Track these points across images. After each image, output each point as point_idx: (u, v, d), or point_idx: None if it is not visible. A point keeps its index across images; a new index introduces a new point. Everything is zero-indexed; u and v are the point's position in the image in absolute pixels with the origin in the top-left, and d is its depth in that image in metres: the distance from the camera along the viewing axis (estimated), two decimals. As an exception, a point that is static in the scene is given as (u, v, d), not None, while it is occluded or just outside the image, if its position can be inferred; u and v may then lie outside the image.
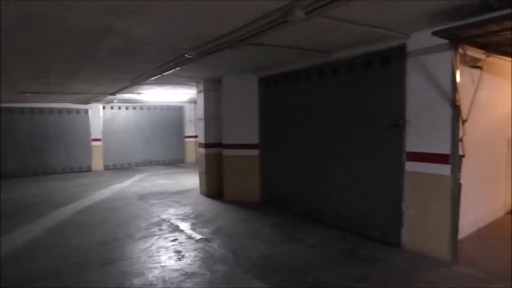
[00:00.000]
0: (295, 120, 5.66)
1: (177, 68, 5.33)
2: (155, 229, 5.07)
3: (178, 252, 4.15)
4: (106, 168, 11.87)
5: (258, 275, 3.49)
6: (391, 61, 4.09)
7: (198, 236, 4.70)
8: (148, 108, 12.69)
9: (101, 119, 11.77)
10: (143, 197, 7.32)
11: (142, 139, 12.54)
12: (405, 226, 3.98)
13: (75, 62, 4.94)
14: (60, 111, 11.18)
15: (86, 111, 11.55)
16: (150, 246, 4.35)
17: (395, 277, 3.35)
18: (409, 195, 3.92)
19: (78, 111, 11.47)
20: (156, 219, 5.57)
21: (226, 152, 6.74)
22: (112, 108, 12.02)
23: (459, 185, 3.59)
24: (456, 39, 3.39)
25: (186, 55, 4.45)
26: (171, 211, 6.10)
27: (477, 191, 4.52)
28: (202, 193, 7.42)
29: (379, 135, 4.27)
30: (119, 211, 6.17)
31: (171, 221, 5.47)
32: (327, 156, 5.08)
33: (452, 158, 3.51)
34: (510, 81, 5.30)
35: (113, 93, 8.80)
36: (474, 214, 4.49)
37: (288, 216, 5.59)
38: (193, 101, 11.84)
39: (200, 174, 7.52)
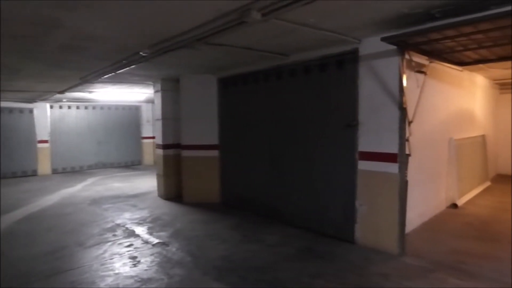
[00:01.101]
0: (255, 121, 5.70)
1: (132, 67, 5.12)
2: (109, 235, 4.81)
3: (133, 258, 3.98)
4: (55, 171, 11.06)
5: (217, 276, 3.45)
6: (345, 65, 4.27)
7: (155, 240, 4.54)
8: (102, 107, 12.05)
9: (49, 119, 10.95)
10: (96, 201, 6.92)
11: (95, 140, 11.87)
12: (358, 223, 4.18)
13: (17, 57, 4.55)
14: (-1, 110, 10.22)
15: (31, 111, 10.67)
16: (103, 253, 4.12)
17: (350, 272, 3.50)
18: (362, 192, 4.12)
19: (21, 110, 10.56)
20: (109, 225, 5.30)
21: (185, 153, 6.60)
22: (61, 107, 11.24)
23: (406, 182, 3.84)
24: (402, 45, 3.63)
25: (141, 53, 4.29)
26: (127, 215, 5.83)
27: (422, 187, 4.87)
28: (160, 195, 7.20)
29: (334, 136, 4.43)
30: (69, 217, 5.78)
31: (126, 226, 5.23)
32: (285, 156, 5.17)
33: (400, 157, 3.74)
34: (451, 85, 5.79)
35: (62, 92, 8.23)
36: (419, 209, 4.83)
37: (248, 216, 5.61)
38: (151, 101, 11.44)
39: (158, 176, 7.29)
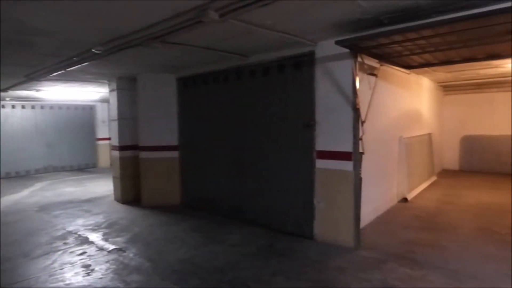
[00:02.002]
0: (216, 121, 5.66)
1: (84, 64, 4.85)
2: (59, 243, 4.52)
3: (86, 266, 3.77)
4: (-3, 177, 10.15)
5: (176, 280, 3.38)
6: (302, 66, 4.38)
7: (111, 247, 4.34)
8: (51, 107, 11.26)
9: (-11, 120, 10.02)
10: (45, 208, 6.46)
11: (43, 142, 11.05)
12: (317, 219, 4.31)
13: None
14: None
15: (-32, 110, 9.71)
16: (52, 264, 3.86)
17: (308, 267, 3.60)
18: (320, 190, 4.26)
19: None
20: (60, 232, 4.97)
21: (144, 154, 6.38)
22: (3, 107, 10.33)
23: (360, 179, 4.03)
24: (355, 48, 3.81)
25: (93, 50, 4.09)
26: (79, 221, 5.51)
27: (375, 183, 5.14)
28: (117, 199, 6.89)
29: (293, 135, 4.53)
30: (13, 226, 5.34)
31: (79, 232, 4.94)
32: (247, 156, 5.19)
33: (354, 155, 3.93)
34: (400, 87, 6.18)
35: (5, 89, 7.57)
36: (374, 204, 5.10)
37: (210, 217, 5.55)
38: (106, 100, 10.92)
39: (115, 179, 6.97)
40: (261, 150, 4.97)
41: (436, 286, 3.12)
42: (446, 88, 9.59)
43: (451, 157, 9.70)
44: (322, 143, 4.20)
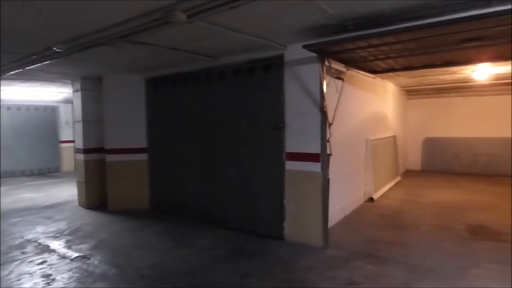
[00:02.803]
0: (186, 123, 5.58)
1: (45, 63, 4.62)
2: (16, 253, 4.25)
3: (47, 276, 3.57)
4: None
5: (144, 286, 3.29)
6: (272, 69, 4.43)
7: (74, 254, 4.15)
8: (9, 108, 10.58)
9: None
10: (1, 216, 6.05)
11: None
12: (287, 220, 4.37)
13: None
14: None
15: None
16: (9, 274, 3.62)
17: (278, 267, 3.64)
18: (289, 191, 4.32)
19: None
20: (18, 241, 4.68)
21: (110, 157, 6.16)
22: (-46, 107, 9.59)
23: (328, 180, 4.14)
24: (322, 53, 3.91)
25: (54, 48, 3.90)
26: (40, 229, 5.22)
27: (343, 184, 5.29)
28: (81, 205, 6.59)
29: (263, 137, 4.57)
30: (-35, 235, 4.96)
31: (39, 241, 4.68)
32: (217, 159, 5.17)
33: (322, 157, 4.02)
34: (366, 91, 6.42)
35: (-45, 89, 7.04)
36: (341, 204, 5.25)
37: (180, 221, 5.46)
38: (70, 101, 10.44)
39: (79, 183, 6.67)
40: (231, 152, 4.97)
41: (398, 281, 3.26)
42: (410, 92, 10.08)
43: (414, 158, 10.20)
44: (291, 145, 4.27)
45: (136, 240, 4.64)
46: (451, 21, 2.85)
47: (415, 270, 3.48)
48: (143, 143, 6.20)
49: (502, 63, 5.50)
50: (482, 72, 6.42)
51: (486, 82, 7.82)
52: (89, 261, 3.93)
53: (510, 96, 8.80)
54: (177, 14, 2.77)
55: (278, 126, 4.37)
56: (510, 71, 6.57)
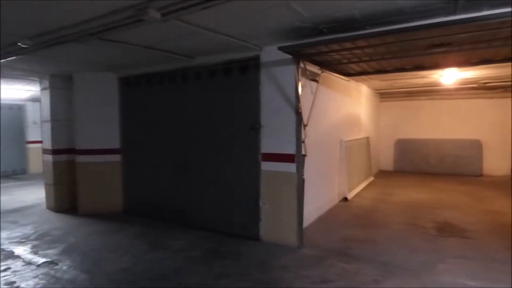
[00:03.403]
0: (160, 123, 5.48)
1: (10, 59, 4.40)
2: (-23, 259, 4.02)
3: (10, 283, 3.39)
4: None
5: (115, 291, 3.20)
6: (248, 70, 4.44)
7: (41, 260, 3.97)
8: (-29, 106, 9.99)
9: None
10: (-39, 220, 5.70)
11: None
12: (262, 220, 4.39)
13: None
14: None
15: None
16: (-32, 282, 3.42)
17: (253, 268, 3.65)
18: (265, 192, 4.34)
19: None
20: (-21, 247, 4.42)
21: (81, 158, 5.94)
22: None
23: (303, 180, 4.20)
24: (297, 55, 3.97)
25: (20, 43, 3.72)
26: (3, 234, 4.95)
27: (317, 184, 5.39)
28: (49, 208, 6.32)
29: (239, 138, 4.57)
30: None
31: (3, 246, 4.43)
32: (193, 160, 5.11)
33: (297, 157, 4.07)
34: (340, 93, 6.56)
35: None
36: (316, 204, 5.34)
37: (155, 223, 5.35)
38: (38, 100, 9.97)
39: (47, 186, 6.39)
40: (207, 153, 4.93)
41: (369, 278, 3.35)
42: (382, 95, 10.41)
43: (386, 159, 10.54)
44: (267, 146, 4.29)
45: (108, 243, 4.51)
46: (418, 27, 2.98)
47: (385, 267, 3.60)
48: (116, 143, 6.03)
49: (468, 68, 5.79)
50: (449, 76, 6.74)
51: (453, 87, 8.22)
52: (56, 267, 3.77)
53: (475, 100, 9.30)
54: (150, 13, 2.72)
55: (254, 127, 4.39)
56: (475, 76, 6.93)
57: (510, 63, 4.88)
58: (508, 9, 2.72)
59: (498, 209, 5.81)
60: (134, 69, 5.63)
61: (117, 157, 6.04)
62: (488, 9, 2.86)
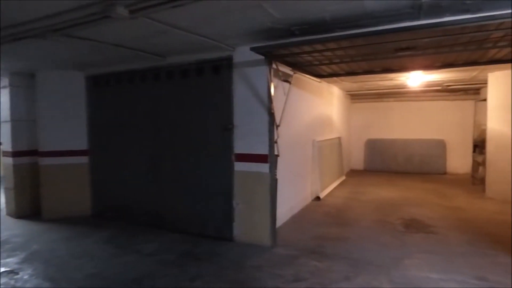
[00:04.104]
0: (132, 124, 5.32)
1: (-37, 55, 4.11)
2: None
3: (-35, 295, 3.17)
4: None
5: (82, 299, 3.07)
6: (221, 71, 4.41)
7: (0, 270, 3.73)
8: None
9: None
10: None
11: None
12: (236, 221, 4.37)
13: None
14: None
15: None
16: None
17: (227, 269, 3.62)
18: (238, 192, 4.33)
19: None
20: None
21: (45, 161, 5.64)
22: None
23: (276, 180, 4.22)
24: (270, 56, 3.99)
25: (-25, 38, 3.48)
26: (-42, 242, 4.61)
27: (290, 184, 5.44)
28: (9, 214, 5.95)
29: (213, 139, 4.53)
30: None
31: (-43, 255, 4.13)
32: (165, 160, 5.00)
33: (270, 158, 4.10)
34: (313, 94, 6.67)
35: None
36: (289, 203, 5.39)
37: (125, 226, 5.18)
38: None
39: (7, 190, 6.02)
40: (180, 153, 4.85)
41: (340, 275, 3.43)
42: (353, 96, 10.71)
43: (357, 158, 10.85)
44: (240, 146, 4.28)
45: (75, 249, 4.31)
46: (385, 31, 3.09)
47: (356, 264, 3.70)
48: (83, 145, 5.78)
49: (432, 71, 6.08)
50: (415, 79, 7.04)
51: (419, 89, 8.60)
52: (17, 276, 3.56)
53: (439, 101, 9.78)
54: (118, 9, 2.63)
55: (227, 128, 4.36)
56: (440, 79, 7.29)
57: (470, 67, 5.18)
58: (467, 16, 2.88)
59: (461, 206, 6.14)
60: (103, 68, 5.43)
61: (84, 159, 5.80)
62: (449, 16, 3.01)
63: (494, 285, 3.19)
